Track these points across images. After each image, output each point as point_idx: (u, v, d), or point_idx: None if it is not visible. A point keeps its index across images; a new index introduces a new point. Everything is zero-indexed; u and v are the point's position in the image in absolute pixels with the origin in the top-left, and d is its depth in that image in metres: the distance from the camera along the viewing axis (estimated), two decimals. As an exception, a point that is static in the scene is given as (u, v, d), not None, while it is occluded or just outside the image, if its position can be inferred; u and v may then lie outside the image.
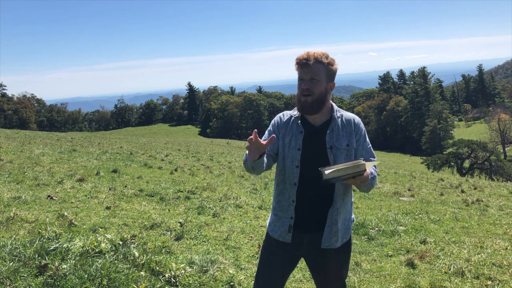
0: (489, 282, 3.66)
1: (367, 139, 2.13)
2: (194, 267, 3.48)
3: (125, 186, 7.41)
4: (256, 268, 2.51)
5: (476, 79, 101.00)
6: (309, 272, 3.59)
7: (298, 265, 3.34)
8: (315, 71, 1.96)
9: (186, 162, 14.44)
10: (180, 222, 4.92)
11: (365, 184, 1.91)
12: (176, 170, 11.20)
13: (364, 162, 1.81)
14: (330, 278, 2.13)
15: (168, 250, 3.98)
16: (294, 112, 2.14)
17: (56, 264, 3.00)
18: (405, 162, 48.00)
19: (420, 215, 6.82)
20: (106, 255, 3.38)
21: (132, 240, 3.87)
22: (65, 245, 3.44)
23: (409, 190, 11.00)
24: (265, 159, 1.93)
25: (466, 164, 35.20)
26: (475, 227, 6.06)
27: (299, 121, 2.07)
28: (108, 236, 3.84)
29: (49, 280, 2.82)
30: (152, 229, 4.74)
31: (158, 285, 3.04)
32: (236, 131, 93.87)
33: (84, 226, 4.53)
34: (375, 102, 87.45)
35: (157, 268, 3.28)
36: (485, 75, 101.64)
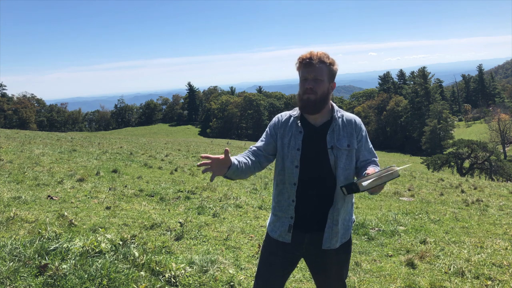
0: (489, 282, 3.66)
1: (368, 140, 2.13)
2: (194, 267, 3.48)
3: (125, 186, 7.41)
4: (256, 268, 2.51)
5: (476, 79, 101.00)
6: (309, 272, 3.59)
7: (298, 265, 3.34)
8: (319, 71, 1.97)
9: (186, 162, 14.44)
10: (180, 222, 4.92)
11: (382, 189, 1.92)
12: (176, 170, 11.19)
13: (397, 168, 1.79)
14: (330, 278, 2.13)
15: (168, 250, 3.98)
16: (294, 112, 2.13)
17: (56, 264, 3.00)
18: (405, 162, 47.99)
19: (420, 215, 6.82)
20: (106, 255, 3.38)
21: (132, 240, 3.87)
22: (65, 245, 3.44)
23: (409, 190, 11.00)
24: (237, 166, 1.88)
25: (466, 164, 35.20)
26: (475, 227, 6.06)
27: (299, 121, 2.07)
28: (108, 236, 3.84)
29: (49, 280, 2.82)
30: (152, 229, 4.74)
31: (158, 285, 3.04)
32: (236, 131, 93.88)
33: (84, 226, 4.53)
34: (375, 102, 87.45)
35: (157, 268, 3.28)
36: (485, 75, 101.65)
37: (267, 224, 2.22)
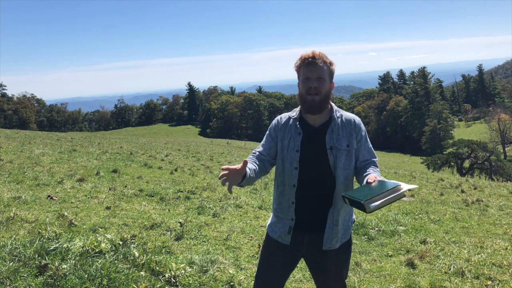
0: (489, 282, 3.66)
1: (368, 139, 2.13)
2: (194, 267, 3.48)
3: (125, 186, 7.41)
4: (256, 268, 2.51)
5: (476, 79, 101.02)
6: (309, 272, 3.59)
7: (298, 265, 3.34)
8: (321, 70, 1.98)
9: (186, 162, 14.44)
10: (180, 222, 4.92)
11: None
12: (176, 170, 11.19)
13: (404, 188, 1.73)
14: (330, 279, 2.13)
15: (168, 250, 3.98)
16: (293, 114, 2.14)
17: (56, 264, 3.00)
18: (405, 162, 48.00)
19: (420, 215, 6.82)
20: (106, 255, 3.38)
21: (132, 240, 3.87)
22: (65, 245, 3.44)
23: (409, 190, 10.99)
24: (251, 173, 1.88)
25: (466, 164, 35.20)
26: (475, 227, 6.06)
27: (298, 122, 2.08)
28: (108, 236, 3.84)
29: (49, 280, 2.82)
30: (152, 229, 4.74)
31: (158, 285, 3.04)
32: (236, 131, 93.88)
33: (84, 226, 4.53)
34: (375, 102, 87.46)
35: (157, 268, 3.28)
36: (485, 75, 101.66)
37: (268, 225, 2.22)
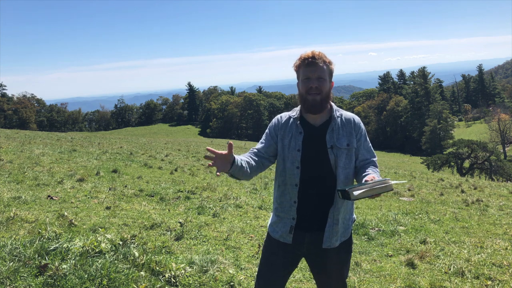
0: (489, 282, 3.66)
1: (368, 139, 2.14)
2: (194, 267, 3.48)
3: (125, 186, 7.41)
4: (256, 268, 2.52)
5: (476, 79, 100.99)
6: (309, 272, 3.59)
7: (298, 265, 3.34)
8: (322, 70, 1.99)
9: (186, 162, 14.44)
10: (180, 222, 4.92)
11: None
12: (176, 170, 11.20)
13: (391, 182, 1.80)
14: (331, 278, 2.14)
15: (168, 250, 3.98)
16: (293, 113, 2.14)
17: (56, 264, 3.00)
18: (405, 162, 48.01)
19: (420, 215, 6.82)
20: (106, 255, 3.38)
21: (132, 240, 3.87)
22: (65, 245, 3.44)
23: (409, 190, 11.00)
24: (242, 164, 1.90)
25: (466, 164, 35.20)
26: (475, 227, 6.06)
27: (298, 121, 2.08)
28: (108, 236, 3.84)
29: (49, 280, 2.82)
30: (152, 229, 4.74)
31: (158, 285, 3.04)
32: (236, 131, 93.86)
33: (84, 226, 4.53)
34: (375, 102, 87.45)
35: (157, 268, 3.28)
36: (485, 75, 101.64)
37: (268, 225, 2.22)
